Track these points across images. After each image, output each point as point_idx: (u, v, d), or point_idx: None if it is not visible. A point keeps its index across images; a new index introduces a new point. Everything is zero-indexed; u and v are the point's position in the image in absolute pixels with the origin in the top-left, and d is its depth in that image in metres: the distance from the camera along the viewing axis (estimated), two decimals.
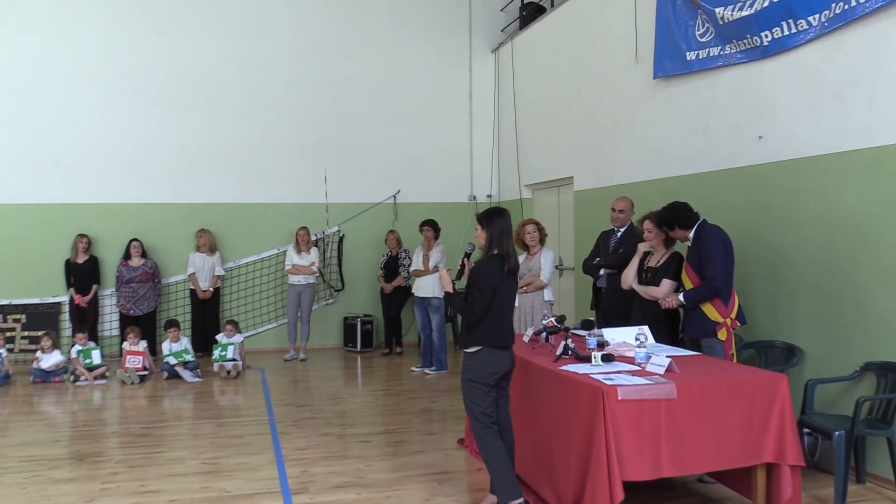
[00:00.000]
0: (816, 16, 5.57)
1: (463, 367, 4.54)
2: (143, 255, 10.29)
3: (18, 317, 10.29)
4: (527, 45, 11.01)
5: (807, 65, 5.75)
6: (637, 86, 8.02)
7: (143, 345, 9.21)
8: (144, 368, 9.04)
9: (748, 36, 6.21)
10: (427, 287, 9.23)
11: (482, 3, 12.02)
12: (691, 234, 5.62)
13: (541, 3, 11.12)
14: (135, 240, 10.28)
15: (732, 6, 6.31)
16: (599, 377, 4.32)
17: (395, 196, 11.68)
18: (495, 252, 4.49)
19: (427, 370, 9.38)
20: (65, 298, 10.38)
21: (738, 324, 5.57)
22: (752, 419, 4.29)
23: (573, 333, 5.48)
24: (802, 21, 5.68)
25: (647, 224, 5.99)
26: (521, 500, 4.39)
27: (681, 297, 5.61)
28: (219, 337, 9.66)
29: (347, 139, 11.46)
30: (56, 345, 9.36)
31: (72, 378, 8.94)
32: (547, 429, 4.72)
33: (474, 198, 12.05)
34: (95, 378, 8.95)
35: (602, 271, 6.92)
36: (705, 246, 5.49)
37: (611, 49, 8.54)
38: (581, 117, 9.28)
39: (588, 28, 9.12)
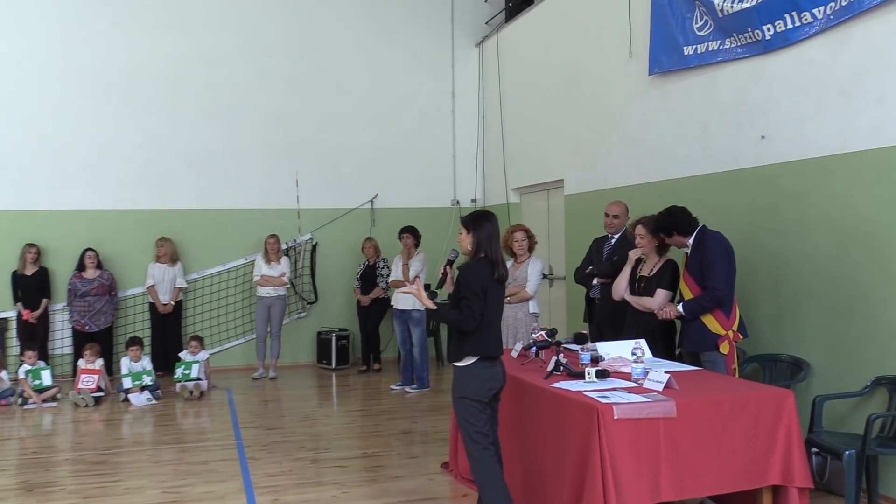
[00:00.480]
0: (821, 8, 5.64)
1: (455, 384, 4.50)
2: (99, 266, 10.21)
3: None
4: (513, 39, 11.06)
5: (812, 60, 5.82)
6: (631, 82, 8.08)
7: (99, 363, 9.13)
8: (99, 389, 8.95)
9: (749, 29, 6.27)
10: (407, 299, 9.20)
11: None
12: (690, 241, 5.66)
13: None
14: (89, 249, 10.20)
15: None
16: (594, 395, 4.33)
17: (372, 201, 11.67)
18: (483, 256, 4.49)
19: (408, 388, 9.36)
20: (12, 314, 10.26)
21: (741, 336, 5.61)
22: (756, 438, 4.32)
23: (565, 348, 5.50)
24: (807, 14, 5.75)
25: (640, 229, 6.03)
26: None
27: (679, 307, 5.64)
28: (182, 354, 9.60)
29: (320, 140, 11.44)
30: (2, 364, 9.24)
31: (19, 401, 8.83)
32: (538, 451, 4.71)
33: (458, 202, 12.06)
34: (45, 400, 8.85)
35: (595, 281, 6.94)
36: (706, 253, 5.52)
37: (603, 43, 8.60)
38: (572, 116, 9.33)
39: (579, 20, 9.18)
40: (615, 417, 4.07)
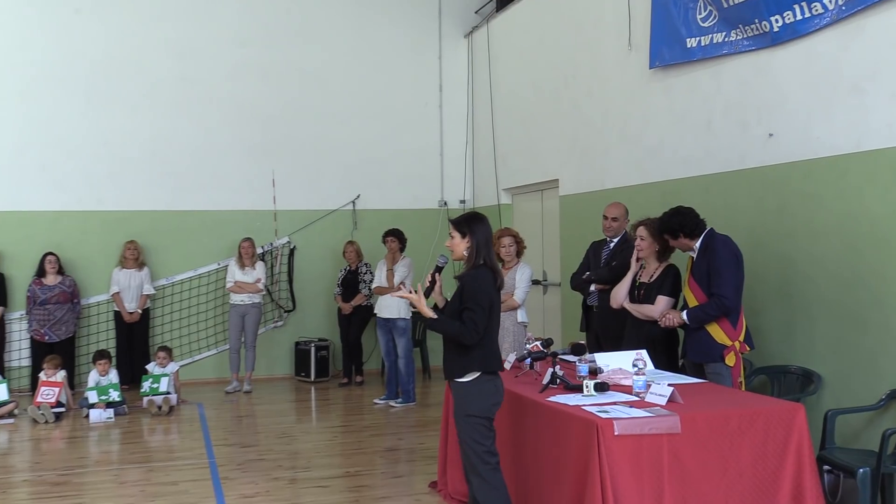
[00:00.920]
0: None
1: (458, 401, 4.49)
2: (60, 271, 10.14)
3: None
4: (505, 30, 11.08)
5: (822, 53, 5.85)
6: (631, 76, 8.10)
7: (61, 375, 9.06)
8: (59, 403, 8.88)
9: (756, 21, 6.30)
10: (392, 307, 9.20)
11: None
12: (697, 245, 5.66)
13: None
14: (50, 254, 10.13)
15: None
16: (593, 409, 4.33)
17: (354, 202, 11.66)
18: (482, 263, 4.49)
19: (392, 402, 9.34)
20: None
21: (748, 347, 5.62)
22: (765, 456, 4.34)
23: (561, 359, 5.49)
24: (817, 4, 5.78)
25: (641, 231, 6.04)
26: None
27: (683, 314, 5.64)
28: (149, 367, 9.56)
29: (299, 137, 11.42)
30: None
31: None
32: (534, 469, 4.71)
33: (445, 204, 12.06)
34: (1, 417, 8.77)
35: (593, 287, 6.95)
36: (714, 258, 5.53)
37: (601, 34, 8.62)
38: (567, 112, 9.35)
39: (575, 10, 9.21)
40: (616, 433, 4.08)
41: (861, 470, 4.89)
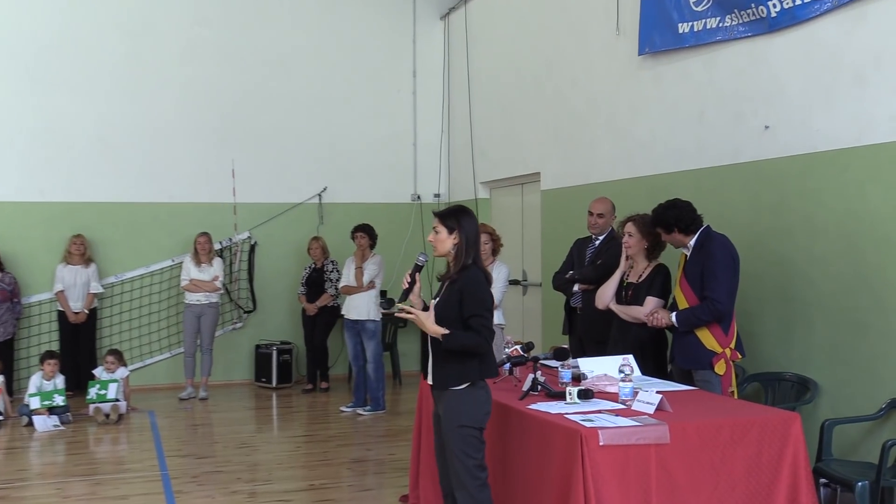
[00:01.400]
0: None
1: (449, 412, 4.47)
2: (0, 267, 10.05)
3: None
4: (484, 11, 11.09)
5: (823, 41, 5.90)
6: (619, 64, 8.13)
7: None
8: None
9: (753, 5, 6.34)
10: (360, 308, 9.19)
11: None
12: (692, 243, 5.69)
13: None
14: None
15: None
16: (576, 418, 4.34)
17: (320, 195, 11.64)
18: (470, 262, 4.49)
19: (360, 410, 9.34)
20: None
21: (739, 355, 5.66)
22: (759, 468, 4.37)
23: (543, 364, 5.51)
24: None
25: (630, 227, 6.07)
26: None
27: (672, 316, 5.67)
28: (96, 372, 9.48)
29: (261, 125, 11.38)
30: None
31: None
32: (513, 481, 4.72)
33: (419, 198, 12.07)
34: None
35: (576, 287, 6.98)
36: (710, 259, 5.55)
37: (587, 18, 8.65)
38: (551, 101, 9.38)
39: None
40: (601, 444, 4.09)
41: (859, 483, 4.93)
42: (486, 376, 4.52)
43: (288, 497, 6.39)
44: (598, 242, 7.04)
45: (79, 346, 10.41)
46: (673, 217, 5.70)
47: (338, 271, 10.41)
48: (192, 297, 10.34)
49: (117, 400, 9.16)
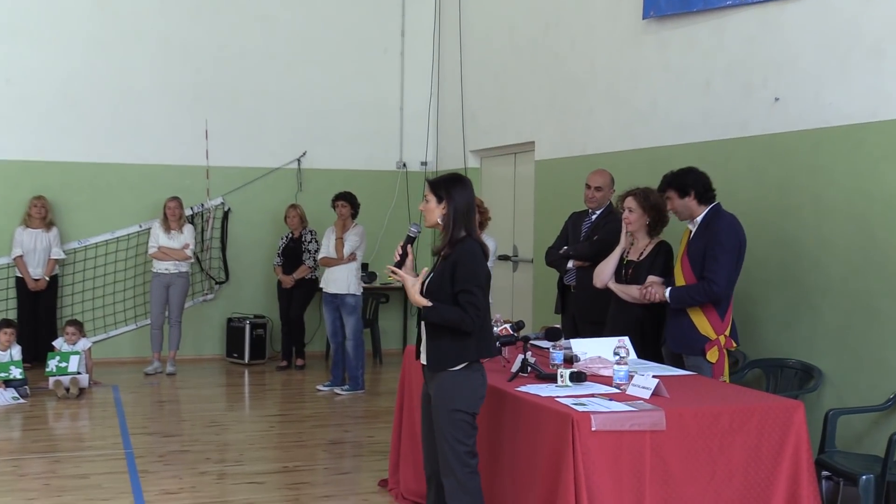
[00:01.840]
0: None
1: (441, 394, 4.47)
2: None
3: None
4: None
5: (839, 9, 5.89)
6: (621, 27, 8.11)
7: None
8: None
9: None
10: (340, 281, 9.18)
11: None
12: (699, 218, 5.68)
13: None
14: None
15: None
16: (568, 401, 4.35)
17: (299, 160, 11.60)
18: (463, 234, 4.48)
19: (338, 389, 9.35)
20: None
21: (734, 343, 5.68)
22: (759, 458, 4.40)
23: (533, 345, 5.53)
24: None
25: (630, 202, 6.06)
26: None
27: (667, 292, 5.69)
28: (56, 343, 9.47)
29: (237, 84, 11.31)
30: None
31: None
32: (501, 467, 4.74)
33: (404, 165, 12.05)
34: None
35: (571, 264, 6.98)
36: (714, 240, 5.54)
37: None
38: (547, 65, 9.35)
39: None
40: (593, 429, 4.10)
41: (864, 477, 4.96)
42: (483, 356, 4.51)
43: (259, 479, 6.39)
44: (594, 217, 7.04)
45: (38, 316, 10.38)
46: (692, 180, 5.68)
47: (316, 242, 10.39)
48: (161, 266, 10.30)
49: (78, 373, 9.14)
